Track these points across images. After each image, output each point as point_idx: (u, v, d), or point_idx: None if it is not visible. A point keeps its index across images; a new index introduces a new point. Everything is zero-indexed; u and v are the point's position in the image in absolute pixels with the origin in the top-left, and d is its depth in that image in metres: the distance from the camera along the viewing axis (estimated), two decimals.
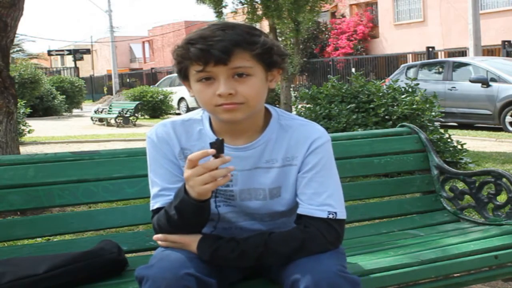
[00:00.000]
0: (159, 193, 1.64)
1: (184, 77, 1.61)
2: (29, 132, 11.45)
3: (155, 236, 1.63)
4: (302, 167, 1.64)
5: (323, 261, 1.51)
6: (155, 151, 1.66)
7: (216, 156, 1.46)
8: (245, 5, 10.54)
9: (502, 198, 2.42)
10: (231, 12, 11.48)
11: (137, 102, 17.61)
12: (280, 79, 1.67)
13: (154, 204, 1.65)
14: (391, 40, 25.52)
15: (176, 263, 1.48)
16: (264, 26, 12.58)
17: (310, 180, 1.62)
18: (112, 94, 31.45)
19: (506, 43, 17.23)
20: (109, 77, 38.38)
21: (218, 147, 1.45)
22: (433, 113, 5.98)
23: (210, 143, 1.46)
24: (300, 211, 1.62)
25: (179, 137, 1.66)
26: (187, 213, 1.53)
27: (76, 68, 34.62)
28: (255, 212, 1.68)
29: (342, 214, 1.62)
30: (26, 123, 11.42)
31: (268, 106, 1.70)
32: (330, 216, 1.59)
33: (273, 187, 1.66)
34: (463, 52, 18.81)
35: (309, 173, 1.63)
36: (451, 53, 20.20)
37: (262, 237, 1.58)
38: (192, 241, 1.58)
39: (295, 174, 1.65)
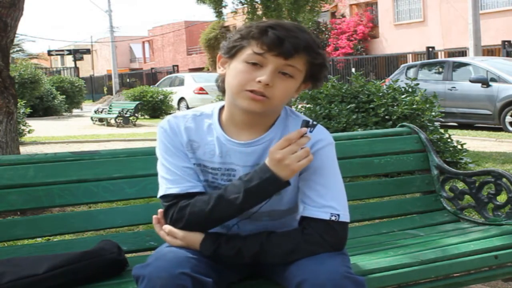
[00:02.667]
0: (177, 179, 1.64)
1: (232, 54, 1.62)
2: (29, 132, 11.44)
3: (164, 226, 1.63)
4: (303, 168, 1.64)
5: (327, 262, 1.52)
6: (167, 140, 1.68)
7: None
8: (245, 5, 10.54)
9: (502, 198, 2.42)
10: (231, 12, 11.48)
11: (137, 102, 17.60)
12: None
13: (169, 189, 1.63)
14: (391, 40, 25.53)
15: (172, 263, 1.48)
16: None
17: (313, 182, 1.63)
18: (112, 94, 31.46)
19: (506, 43, 17.23)
20: (109, 77, 38.38)
21: (311, 128, 1.54)
22: (433, 113, 5.97)
23: (305, 121, 1.54)
24: (303, 213, 1.63)
25: (188, 130, 1.68)
26: (259, 195, 1.56)
27: (76, 68, 34.60)
28: (253, 210, 1.68)
29: (345, 217, 1.62)
30: (26, 123, 11.41)
31: None
32: (333, 218, 1.59)
33: None
34: (463, 52, 18.81)
35: (311, 175, 1.63)
36: (451, 53, 20.20)
37: (259, 236, 1.60)
38: (195, 239, 1.60)
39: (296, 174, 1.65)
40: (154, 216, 1.70)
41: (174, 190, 1.63)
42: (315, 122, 1.55)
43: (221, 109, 1.71)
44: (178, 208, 1.62)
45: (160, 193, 1.66)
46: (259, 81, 1.55)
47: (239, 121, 1.66)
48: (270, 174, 1.54)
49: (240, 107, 1.61)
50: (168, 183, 1.65)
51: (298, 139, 1.52)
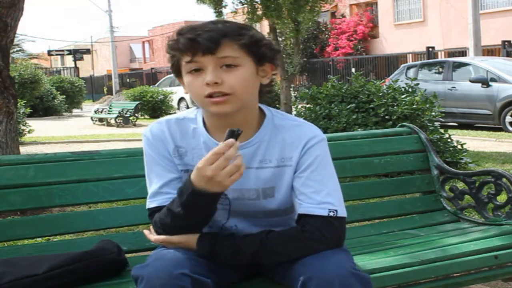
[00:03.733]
0: (156, 191, 1.65)
1: (177, 72, 1.63)
2: (29, 132, 11.45)
3: (154, 238, 1.63)
4: (298, 167, 1.64)
5: (332, 259, 1.51)
6: (150, 149, 1.68)
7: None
8: (245, 5, 10.53)
9: (502, 198, 2.42)
10: (231, 12, 11.48)
11: (137, 102, 17.61)
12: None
13: (150, 203, 1.65)
14: (391, 40, 25.52)
15: (171, 263, 1.48)
16: (264, 26, 12.58)
17: (307, 179, 1.62)
18: (112, 94, 31.45)
19: (506, 43, 17.23)
20: (109, 77, 38.37)
21: (236, 137, 1.48)
22: (433, 113, 5.98)
23: (230, 131, 1.48)
24: (300, 211, 1.61)
25: (173, 135, 1.67)
26: (197, 208, 1.54)
27: (76, 68, 34.61)
28: (246, 209, 1.68)
29: (342, 212, 1.61)
30: (26, 123, 11.43)
31: (263, 106, 1.70)
32: (331, 214, 1.58)
33: (267, 187, 1.66)
34: (463, 52, 18.81)
35: (305, 172, 1.62)
36: (451, 53, 20.19)
37: (259, 235, 1.59)
38: (191, 239, 1.59)
39: (290, 174, 1.65)
40: (144, 231, 1.72)
41: (153, 203, 1.65)
42: (240, 131, 1.48)
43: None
44: (153, 222, 1.64)
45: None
46: (207, 84, 1.54)
47: (222, 125, 1.63)
48: (192, 189, 1.50)
49: (212, 114, 1.61)
50: (150, 196, 1.66)
51: (226, 151, 1.45)
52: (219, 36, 1.53)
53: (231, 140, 1.47)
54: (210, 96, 1.55)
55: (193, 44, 1.53)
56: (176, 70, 1.63)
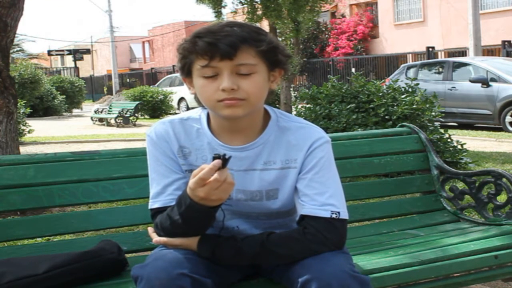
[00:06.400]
0: (159, 191, 1.64)
1: (187, 73, 1.62)
2: (29, 132, 11.45)
3: (155, 240, 1.63)
4: (302, 168, 1.64)
5: (331, 261, 1.51)
6: (154, 149, 1.67)
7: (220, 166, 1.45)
8: (245, 5, 10.53)
9: (502, 198, 2.42)
10: (231, 12, 11.47)
11: (137, 102, 17.61)
12: (280, 80, 1.68)
13: (153, 204, 1.65)
14: (391, 40, 25.53)
15: (171, 263, 1.48)
16: (264, 26, 12.56)
17: (311, 180, 1.62)
18: (112, 94, 31.46)
19: (506, 43, 17.23)
20: (109, 77, 38.38)
21: (224, 162, 1.44)
22: (433, 113, 5.98)
23: (214, 156, 1.45)
24: (302, 212, 1.61)
25: (177, 135, 1.67)
26: (195, 219, 1.53)
27: (76, 68, 34.64)
28: (250, 211, 1.68)
29: (344, 214, 1.61)
30: (26, 123, 11.42)
31: (267, 107, 1.70)
32: (334, 215, 1.58)
33: (271, 188, 1.66)
34: (463, 52, 18.81)
35: (309, 174, 1.62)
36: (451, 53, 20.19)
37: (260, 237, 1.59)
38: (192, 241, 1.59)
39: (294, 176, 1.65)
40: (148, 228, 1.72)
41: (156, 204, 1.64)
42: (227, 156, 1.44)
43: (209, 113, 1.69)
44: (155, 223, 1.64)
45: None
46: (223, 89, 1.53)
47: (228, 127, 1.64)
48: (189, 202, 1.50)
49: (223, 117, 1.60)
50: (152, 197, 1.66)
51: (212, 174, 1.43)
52: (238, 41, 1.51)
53: (217, 161, 1.43)
54: (222, 100, 1.54)
55: (212, 48, 1.51)
56: (187, 71, 1.61)
